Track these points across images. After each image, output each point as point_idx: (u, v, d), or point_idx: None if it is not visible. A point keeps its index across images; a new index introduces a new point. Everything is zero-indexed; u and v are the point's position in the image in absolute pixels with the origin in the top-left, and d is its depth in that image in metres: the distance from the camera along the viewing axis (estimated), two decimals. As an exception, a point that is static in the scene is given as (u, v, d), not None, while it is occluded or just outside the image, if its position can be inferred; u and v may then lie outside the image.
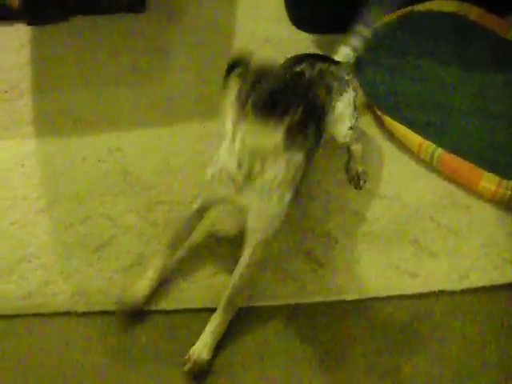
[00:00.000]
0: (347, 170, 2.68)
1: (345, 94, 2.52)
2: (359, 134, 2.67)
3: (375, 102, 2.84)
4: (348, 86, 2.55)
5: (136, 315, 2.23)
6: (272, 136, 1.91)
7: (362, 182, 2.64)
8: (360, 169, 2.66)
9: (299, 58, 2.50)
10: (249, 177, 2.09)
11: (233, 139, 2.02)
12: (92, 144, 2.78)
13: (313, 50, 3.15)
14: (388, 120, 2.76)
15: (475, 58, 3.03)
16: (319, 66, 2.46)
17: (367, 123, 2.86)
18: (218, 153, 2.16)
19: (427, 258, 2.42)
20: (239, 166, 2.07)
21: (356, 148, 2.67)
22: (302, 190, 2.39)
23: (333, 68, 2.52)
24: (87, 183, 2.63)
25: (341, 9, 3.19)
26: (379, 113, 2.80)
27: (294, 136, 1.95)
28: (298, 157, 2.16)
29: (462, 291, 2.33)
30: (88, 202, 2.57)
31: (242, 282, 2.19)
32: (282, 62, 2.49)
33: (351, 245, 2.45)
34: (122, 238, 2.46)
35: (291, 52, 2.64)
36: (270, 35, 3.29)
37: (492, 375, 2.14)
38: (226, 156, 2.11)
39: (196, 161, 2.69)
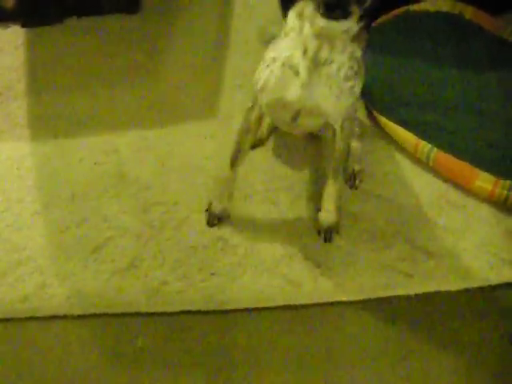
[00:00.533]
0: (344, 169, 2.64)
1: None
2: (359, 130, 2.66)
3: (371, 102, 2.84)
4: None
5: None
6: (343, 21, 1.85)
7: (358, 181, 2.64)
8: (357, 168, 2.65)
9: None
10: (315, 64, 1.99)
11: (300, 31, 1.97)
12: (88, 146, 2.77)
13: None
14: (384, 120, 2.76)
15: (470, 56, 3.02)
16: None
17: (363, 123, 2.85)
18: (275, 49, 2.07)
19: (424, 258, 2.41)
20: (305, 52, 1.98)
21: (355, 145, 2.63)
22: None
23: None
24: (83, 185, 2.62)
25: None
26: (375, 112, 2.80)
27: (360, 29, 1.94)
28: (359, 53, 2.08)
29: (459, 291, 2.33)
30: (84, 204, 2.56)
31: (341, 154, 2.33)
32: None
33: (347, 245, 2.44)
34: (118, 240, 2.45)
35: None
36: (264, 39, 3.26)
37: (490, 375, 2.14)
38: (289, 49, 2.01)
39: (192, 161, 2.70)
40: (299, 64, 2.00)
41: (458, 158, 2.60)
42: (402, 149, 2.74)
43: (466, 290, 2.33)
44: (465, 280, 2.35)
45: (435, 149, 2.62)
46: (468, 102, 2.82)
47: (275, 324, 2.24)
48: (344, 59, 2.02)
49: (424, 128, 2.70)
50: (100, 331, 2.23)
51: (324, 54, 1.97)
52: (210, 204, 2.48)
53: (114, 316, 2.26)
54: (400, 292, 2.32)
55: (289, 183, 2.63)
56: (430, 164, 2.64)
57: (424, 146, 2.64)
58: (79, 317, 2.25)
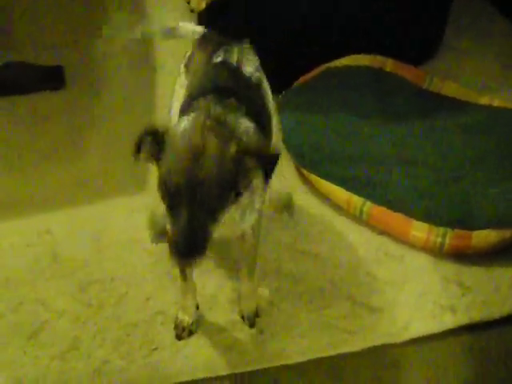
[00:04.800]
0: (275, 202, 2.69)
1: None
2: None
3: (301, 162, 2.86)
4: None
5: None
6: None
7: (293, 207, 2.70)
8: (285, 193, 2.71)
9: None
10: None
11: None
12: (19, 228, 2.73)
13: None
14: (314, 178, 2.78)
15: (394, 108, 3.08)
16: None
17: (293, 181, 2.89)
18: None
19: (365, 314, 2.41)
20: None
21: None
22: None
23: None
24: (17, 269, 2.58)
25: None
26: (305, 171, 2.82)
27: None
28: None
29: (403, 343, 2.33)
30: (19, 289, 2.51)
31: (253, 249, 2.27)
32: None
33: (289, 308, 2.43)
34: (56, 323, 2.40)
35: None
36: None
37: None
38: None
39: (125, 236, 2.68)
40: None
41: (391, 209, 2.62)
42: (334, 205, 2.76)
43: (410, 341, 2.33)
44: (407, 331, 2.36)
45: (368, 202, 2.65)
46: (395, 153, 2.86)
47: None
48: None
49: (354, 183, 2.73)
50: (42, 419, 2.17)
51: None
52: (177, 318, 2.36)
53: (55, 402, 2.21)
54: (343, 349, 2.31)
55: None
56: (364, 218, 2.67)
57: (357, 201, 2.67)
58: (19, 406, 2.20)
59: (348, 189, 2.70)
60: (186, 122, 1.79)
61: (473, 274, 2.52)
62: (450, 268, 2.55)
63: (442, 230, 2.54)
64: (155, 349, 2.31)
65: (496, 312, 2.40)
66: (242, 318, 2.39)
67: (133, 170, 2.86)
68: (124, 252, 2.62)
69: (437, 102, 3.14)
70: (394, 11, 3.22)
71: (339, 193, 2.71)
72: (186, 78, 2.35)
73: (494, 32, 3.71)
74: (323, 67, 3.22)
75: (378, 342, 2.33)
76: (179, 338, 2.33)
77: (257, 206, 2.02)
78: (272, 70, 3.15)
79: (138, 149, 1.77)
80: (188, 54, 2.45)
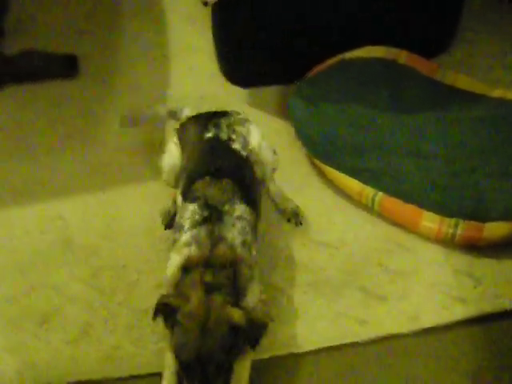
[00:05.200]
0: (282, 212, 2.72)
1: (251, 127, 2.53)
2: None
3: (313, 152, 2.86)
4: (246, 121, 2.56)
5: None
6: None
7: (300, 216, 2.70)
8: (293, 205, 2.72)
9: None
10: None
11: None
12: (33, 214, 2.75)
13: (248, 102, 3.24)
14: (327, 169, 2.78)
15: (407, 100, 3.07)
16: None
17: (306, 172, 2.90)
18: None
19: (376, 303, 2.42)
20: None
21: (275, 188, 2.74)
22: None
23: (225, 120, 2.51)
24: (30, 254, 2.60)
25: (272, 63, 3.25)
26: (318, 162, 2.82)
27: None
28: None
29: (413, 333, 2.34)
30: (32, 274, 2.53)
31: None
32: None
33: (299, 296, 2.44)
34: (68, 308, 2.42)
35: (228, 106, 2.67)
36: (205, 92, 3.32)
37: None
38: None
39: (138, 223, 2.70)
40: None
41: (403, 200, 2.63)
42: (347, 196, 2.76)
43: (420, 332, 2.34)
44: (418, 321, 2.36)
45: (380, 193, 2.65)
46: (408, 145, 2.85)
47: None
48: None
49: (367, 174, 2.73)
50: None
51: None
52: None
53: (67, 386, 2.23)
54: (354, 339, 2.32)
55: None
56: (376, 209, 2.67)
57: (368, 192, 2.67)
58: (31, 390, 2.22)
59: (360, 180, 2.70)
60: (190, 232, 2.10)
61: (484, 266, 2.52)
62: (462, 259, 2.54)
63: (453, 221, 2.54)
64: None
65: (507, 304, 2.40)
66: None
67: (146, 159, 2.89)
68: (136, 239, 2.64)
69: (450, 94, 3.12)
70: (408, 3, 3.22)
71: (351, 183, 2.71)
72: (178, 149, 2.55)
73: (509, 25, 3.69)
74: (337, 58, 3.21)
75: (389, 331, 2.34)
76: None
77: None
78: (286, 60, 3.22)
79: (156, 313, 1.94)
80: (176, 127, 2.66)
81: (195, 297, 1.90)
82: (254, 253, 2.16)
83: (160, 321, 1.96)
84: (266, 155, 2.56)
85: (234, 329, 1.87)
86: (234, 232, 2.11)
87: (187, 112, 2.77)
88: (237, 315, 1.88)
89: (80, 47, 3.57)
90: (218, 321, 1.86)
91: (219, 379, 1.87)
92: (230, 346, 1.87)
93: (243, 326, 1.88)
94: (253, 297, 2.10)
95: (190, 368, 1.86)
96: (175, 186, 2.53)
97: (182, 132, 2.57)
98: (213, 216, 2.12)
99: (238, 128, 2.48)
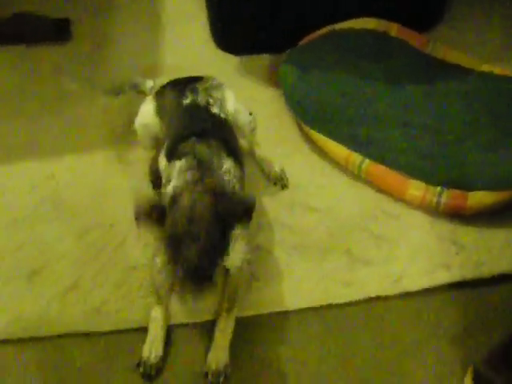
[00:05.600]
0: (267, 175, 2.76)
1: (225, 92, 2.57)
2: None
3: (302, 117, 2.89)
4: (221, 86, 2.59)
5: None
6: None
7: (285, 179, 2.73)
8: (277, 168, 2.75)
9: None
10: None
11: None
12: (25, 172, 2.78)
13: (239, 70, 3.26)
14: (315, 134, 2.81)
15: (396, 71, 3.10)
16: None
17: (295, 138, 2.92)
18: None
19: (361, 267, 2.46)
20: None
21: (259, 153, 2.78)
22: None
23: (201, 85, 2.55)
24: (21, 211, 2.63)
25: (264, 31, 3.29)
26: (306, 128, 2.85)
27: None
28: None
29: (396, 296, 2.38)
30: (22, 230, 2.57)
31: (237, 287, 2.32)
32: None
33: (285, 258, 2.48)
34: (57, 263, 2.46)
35: (219, 74, 2.70)
36: (197, 59, 3.35)
37: (427, 376, 2.19)
38: None
39: (128, 183, 2.72)
40: None
41: (389, 168, 2.66)
42: (334, 162, 2.79)
43: (403, 294, 2.38)
44: (401, 285, 2.41)
45: (367, 160, 2.69)
46: (396, 115, 2.88)
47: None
48: None
49: (354, 141, 2.76)
50: (40, 354, 2.23)
51: None
52: (142, 355, 2.20)
53: (54, 338, 2.26)
54: (339, 300, 2.36)
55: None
56: (362, 176, 2.70)
57: (355, 158, 2.70)
58: (20, 341, 2.25)
59: (347, 146, 2.73)
60: (178, 180, 2.11)
61: (467, 234, 2.56)
62: (446, 227, 2.58)
63: (438, 189, 2.58)
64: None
65: (487, 271, 2.44)
66: (206, 374, 2.17)
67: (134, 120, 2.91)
68: (124, 199, 2.66)
69: (439, 67, 3.16)
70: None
71: (339, 150, 2.74)
72: (152, 110, 2.59)
73: (499, 2, 3.71)
74: (328, 28, 3.24)
75: (372, 293, 2.38)
76: (148, 378, 2.18)
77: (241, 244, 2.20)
78: (277, 29, 3.24)
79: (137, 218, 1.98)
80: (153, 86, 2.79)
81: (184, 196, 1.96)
82: None
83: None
84: (243, 117, 2.59)
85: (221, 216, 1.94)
86: (223, 184, 2.13)
87: (150, 85, 2.82)
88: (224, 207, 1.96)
89: (73, 11, 3.59)
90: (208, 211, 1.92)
91: (211, 251, 1.90)
92: (219, 228, 1.93)
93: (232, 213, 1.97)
94: (238, 252, 2.17)
95: (182, 246, 1.88)
96: (151, 148, 2.61)
97: (159, 98, 2.60)
98: (202, 166, 2.14)
99: (214, 93, 2.51)
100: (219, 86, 2.56)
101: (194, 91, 2.48)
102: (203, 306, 2.29)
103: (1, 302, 2.35)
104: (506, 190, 2.55)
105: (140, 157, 2.78)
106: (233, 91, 2.59)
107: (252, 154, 2.78)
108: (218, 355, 2.18)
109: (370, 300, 2.37)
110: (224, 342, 2.21)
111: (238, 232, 2.06)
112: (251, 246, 2.40)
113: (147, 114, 2.59)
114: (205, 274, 1.90)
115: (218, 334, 2.23)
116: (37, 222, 2.59)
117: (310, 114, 2.87)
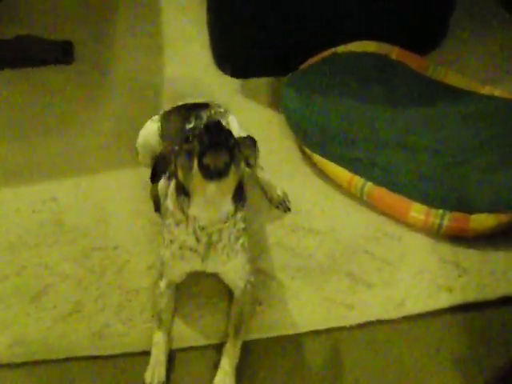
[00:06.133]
0: (270, 198, 2.75)
1: (230, 119, 2.59)
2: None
3: (304, 141, 2.89)
4: (225, 113, 2.60)
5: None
6: (223, 208, 2.04)
7: (287, 202, 2.73)
8: (280, 191, 2.75)
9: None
10: (209, 246, 2.15)
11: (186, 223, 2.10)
12: (25, 195, 2.77)
13: (241, 93, 3.28)
14: (317, 158, 2.81)
15: (397, 94, 3.10)
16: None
17: (297, 161, 2.93)
18: (171, 233, 2.19)
19: (363, 290, 2.45)
20: (198, 240, 2.13)
21: (263, 175, 2.78)
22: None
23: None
24: (21, 234, 2.62)
25: (265, 55, 3.31)
26: (308, 151, 2.86)
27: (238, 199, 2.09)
28: (242, 212, 2.20)
29: (399, 319, 2.37)
30: (23, 253, 2.55)
31: (244, 315, 2.30)
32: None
33: (287, 281, 2.47)
34: (59, 287, 2.45)
35: (220, 97, 2.71)
36: (199, 81, 3.35)
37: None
38: (184, 235, 2.14)
39: (130, 206, 2.72)
40: (195, 245, 2.16)
41: (392, 191, 2.67)
42: (336, 185, 2.79)
43: (406, 318, 2.38)
44: (404, 308, 2.40)
45: (369, 183, 2.69)
46: (398, 138, 2.89)
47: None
48: (233, 229, 2.17)
49: (356, 164, 2.77)
50: (43, 378, 2.21)
51: (215, 237, 2.14)
52: (145, 378, 2.18)
53: (56, 362, 2.25)
54: (341, 323, 2.36)
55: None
56: (364, 198, 2.70)
57: (358, 181, 2.71)
58: (22, 365, 2.24)
59: (350, 169, 2.74)
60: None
61: (469, 256, 2.56)
62: (448, 249, 2.58)
63: (440, 211, 2.58)
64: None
65: (490, 294, 2.44)
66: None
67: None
68: (127, 222, 2.66)
69: (439, 90, 3.17)
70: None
71: (341, 173, 2.75)
72: (155, 128, 2.61)
73: (499, 25, 3.74)
74: (329, 52, 3.24)
75: (375, 317, 2.37)
76: None
77: (246, 244, 2.26)
78: (278, 52, 3.26)
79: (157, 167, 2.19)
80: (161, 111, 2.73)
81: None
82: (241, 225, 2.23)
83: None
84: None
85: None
86: None
87: None
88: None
89: (76, 34, 3.59)
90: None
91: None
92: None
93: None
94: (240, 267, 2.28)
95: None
96: (150, 166, 2.55)
97: (165, 120, 2.61)
98: None
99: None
100: (224, 113, 2.57)
101: (198, 117, 2.49)
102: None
103: (3, 325, 2.34)
104: (508, 213, 2.55)
105: (142, 179, 2.76)
106: (236, 118, 2.61)
107: (254, 177, 2.77)
108: (226, 381, 2.16)
109: (372, 323, 2.36)
110: (230, 368, 2.19)
111: (240, 225, 2.19)
112: (254, 267, 2.40)
113: (151, 131, 2.60)
114: (222, 150, 1.89)
115: (224, 359, 2.20)
116: (38, 245, 2.58)
117: (311, 137, 2.88)
